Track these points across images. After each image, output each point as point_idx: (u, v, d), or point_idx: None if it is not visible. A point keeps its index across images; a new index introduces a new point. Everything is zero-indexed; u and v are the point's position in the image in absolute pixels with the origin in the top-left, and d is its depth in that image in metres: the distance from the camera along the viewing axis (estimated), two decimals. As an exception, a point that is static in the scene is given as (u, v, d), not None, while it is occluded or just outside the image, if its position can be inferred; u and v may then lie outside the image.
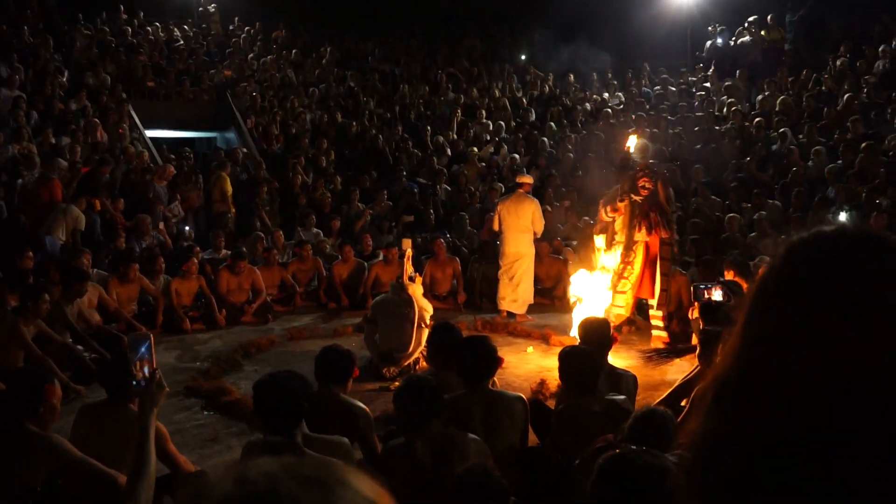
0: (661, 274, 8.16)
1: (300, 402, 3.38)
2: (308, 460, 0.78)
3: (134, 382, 2.91)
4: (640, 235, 8.13)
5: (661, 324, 8.21)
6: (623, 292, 8.27)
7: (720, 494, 0.95)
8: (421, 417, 3.52)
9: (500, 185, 13.32)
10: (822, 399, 0.89)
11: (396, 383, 6.87)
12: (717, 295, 6.22)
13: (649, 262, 8.18)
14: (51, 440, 3.51)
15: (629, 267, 8.21)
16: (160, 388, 2.87)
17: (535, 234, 9.57)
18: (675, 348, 7.90)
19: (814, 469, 0.88)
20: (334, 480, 0.76)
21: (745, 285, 7.02)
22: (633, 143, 8.71)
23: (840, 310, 0.91)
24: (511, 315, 9.53)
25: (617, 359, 6.90)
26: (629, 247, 8.20)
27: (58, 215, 9.91)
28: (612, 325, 5.59)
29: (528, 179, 10.01)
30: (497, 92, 17.87)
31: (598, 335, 4.88)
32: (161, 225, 10.97)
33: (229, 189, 12.47)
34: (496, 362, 4.29)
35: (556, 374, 4.43)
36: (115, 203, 11.05)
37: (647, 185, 8.05)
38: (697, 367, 5.02)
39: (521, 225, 9.44)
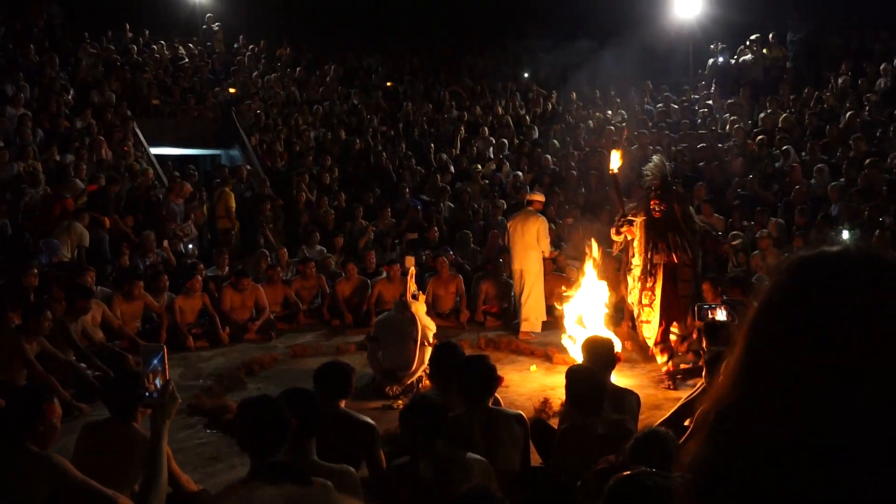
0: (681, 296, 7.72)
1: (282, 426, 3.24)
2: (310, 491, 0.79)
3: (146, 394, 2.91)
4: (659, 258, 7.74)
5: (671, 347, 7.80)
6: (648, 321, 7.89)
7: None
8: (426, 437, 3.53)
9: (503, 201, 13.37)
10: (825, 404, 0.91)
11: (399, 402, 6.88)
12: (720, 315, 6.21)
13: (671, 285, 7.76)
14: (51, 459, 3.50)
15: (649, 293, 7.81)
16: (173, 400, 2.85)
17: (542, 252, 9.60)
18: (679, 370, 7.74)
19: (816, 476, 0.89)
20: None
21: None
22: (615, 163, 8.44)
23: (844, 318, 0.93)
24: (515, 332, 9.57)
25: (620, 378, 6.88)
26: (648, 271, 7.79)
27: (61, 232, 9.95)
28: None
29: (538, 197, 10.02)
30: (500, 109, 17.95)
31: (602, 354, 4.88)
32: (165, 242, 11.00)
33: (233, 205, 12.53)
34: (496, 381, 4.30)
35: (560, 392, 4.44)
36: (125, 220, 11.11)
37: (657, 207, 7.72)
38: (700, 385, 5.02)
39: (526, 242, 9.47)
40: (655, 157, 8.46)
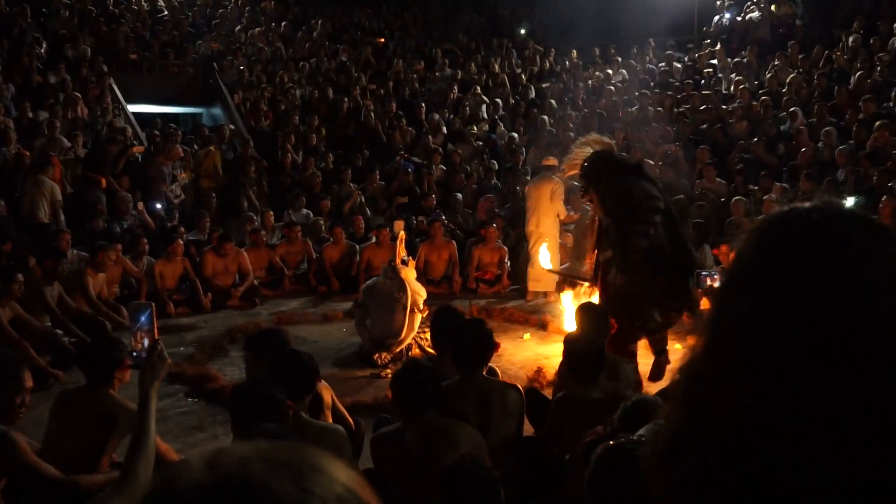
0: (626, 294, 6.13)
1: (280, 413, 3.24)
2: (282, 445, 0.78)
3: (133, 353, 2.85)
4: (602, 255, 6.47)
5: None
6: None
7: (678, 489, 0.97)
8: (417, 405, 3.54)
9: (494, 162, 13.34)
10: (785, 374, 0.90)
11: (388, 370, 6.91)
12: (718, 283, 6.20)
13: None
14: (6, 438, 3.39)
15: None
16: (162, 360, 2.75)
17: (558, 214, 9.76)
18: None
19: (774, 450, 0.89)
20: (307, 466, 0.76)
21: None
22: (546, 263, 8.56)
23: (800, 294, 0.91)
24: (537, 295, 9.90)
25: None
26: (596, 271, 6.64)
27: (33, 191, 9.82)
28: None
29: (552, 161, 10.21)
30: (496, 67, 17.79)
31: (596, 322, 4.89)
32: (140, 205, 10.92)
33: (220, 164, 12.52)
34: (491, 348, 4.28)
35: (554, 362, 4.44)
36: (120, 181, 11.16)
37: (586, 200, 6.75)
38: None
39: (539, 204, 9.73)
40: (585, 138, 7.33)
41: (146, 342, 2.86)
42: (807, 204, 0.98)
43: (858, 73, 13.80)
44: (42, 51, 14.44)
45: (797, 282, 0.91)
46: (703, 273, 6.53)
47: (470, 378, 4.12)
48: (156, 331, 2.89)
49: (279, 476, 0.73)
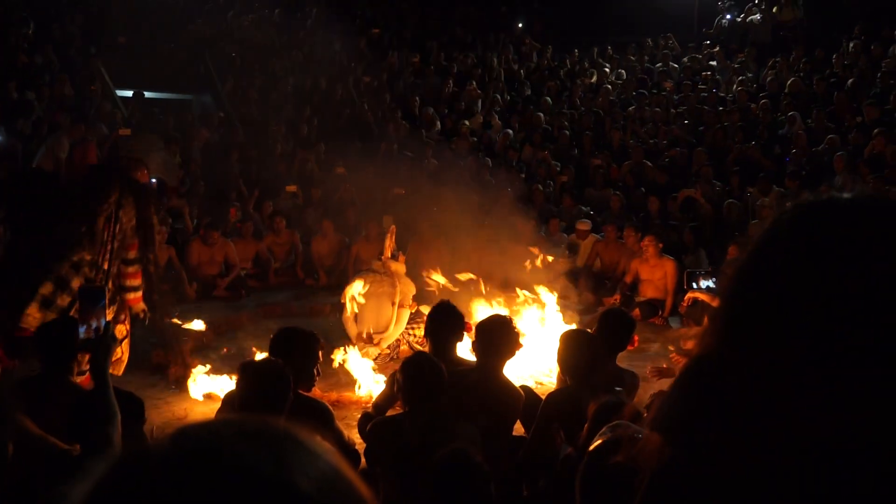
0: None
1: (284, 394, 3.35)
2: (256, 418, 0.74)
3: (81, 336, 3.02)
4: None
5: None
6: None
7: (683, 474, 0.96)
8: (422, 397, 3.58)
9: (489, 160, 13.26)
10: (814, 361, 0.86)
11: (374, 366, 6.89)
12: (707, 283, 6.27)
13: None
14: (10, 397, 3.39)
15: None
16: (113, 340, 2.96)
17: None
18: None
19: (787, 447, 0.87)
20: (283, 437, 0.72)
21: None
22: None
23: (855, 267, 0.87)
24: None
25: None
26: None
27: (41, 149, 10.21)
28: None
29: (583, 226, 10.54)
30: (495, 62, 17.74)
31: (618, 331, 4.61)
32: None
33: None
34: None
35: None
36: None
37: None
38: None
39: None
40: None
41: (103, 322, 3.06)
42: (847, 193, 0.95)
43: (851, 80, 13.84)
44: (29, 31, 14.31)
45: (840, 264, 0.89)
46: (697, 272, 6.58)
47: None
48: (107, 314, 3.04)
49: (254, 448, 0.69)
